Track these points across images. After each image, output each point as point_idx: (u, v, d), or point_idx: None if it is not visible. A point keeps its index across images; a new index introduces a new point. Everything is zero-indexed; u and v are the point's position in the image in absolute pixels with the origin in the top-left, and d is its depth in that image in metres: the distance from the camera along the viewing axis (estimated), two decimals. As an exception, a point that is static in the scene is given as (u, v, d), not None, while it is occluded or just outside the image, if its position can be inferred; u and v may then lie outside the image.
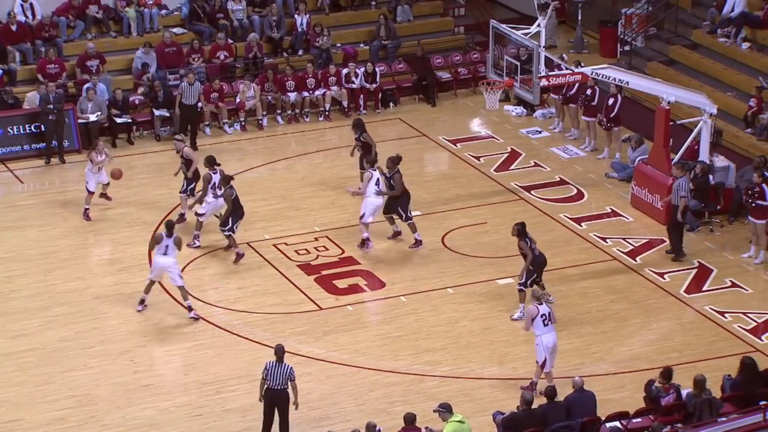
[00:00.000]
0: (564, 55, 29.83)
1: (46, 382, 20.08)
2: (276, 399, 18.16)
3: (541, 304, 19.35)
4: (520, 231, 21.55)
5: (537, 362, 19.48)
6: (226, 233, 23.59)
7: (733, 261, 24.01)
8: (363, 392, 19.88)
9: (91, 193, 25.45)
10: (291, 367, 18.10)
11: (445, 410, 17.00)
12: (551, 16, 29.20)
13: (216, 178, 23.81)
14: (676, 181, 23.97)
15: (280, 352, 18.13)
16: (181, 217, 24.91)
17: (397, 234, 24.50)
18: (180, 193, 25.04)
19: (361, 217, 23.87)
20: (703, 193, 24.96)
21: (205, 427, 19.00)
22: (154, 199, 26.42)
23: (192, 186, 24.86)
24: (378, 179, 23.83)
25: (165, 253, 21.61)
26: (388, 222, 24.49)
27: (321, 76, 30.76)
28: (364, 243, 24.00)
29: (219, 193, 23.72)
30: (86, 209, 25.45)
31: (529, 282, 21.40)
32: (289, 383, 18.05)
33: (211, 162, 23.98)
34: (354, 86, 30.89)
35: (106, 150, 25.86)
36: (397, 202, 24.12)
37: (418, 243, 24.24)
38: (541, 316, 19.26)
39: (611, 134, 28.26)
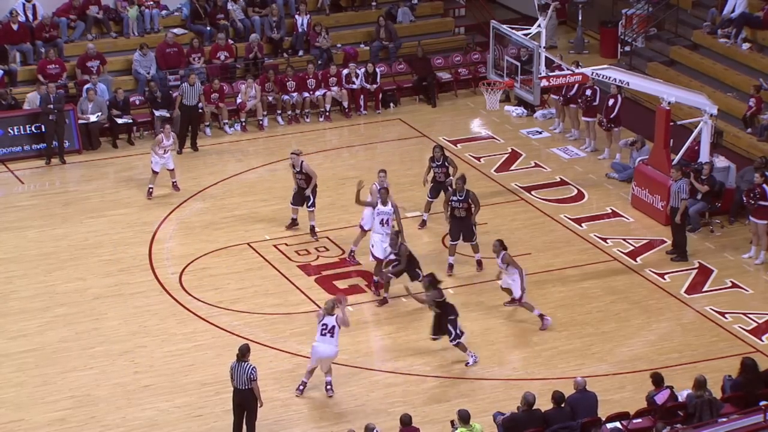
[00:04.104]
0: (561, 55, 29.82)
1: (46, 383, 20.08)
2: (241, 399, 18.12)
3: (331, 315, 19.16)
4: (431, 282, 20.53)
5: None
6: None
7: (733, 261, 24.01)
8: (363, 393, 19.87)
9: (155, 173, 26.15)
10: (252, 368, 18.00)
11: (459, 419, 16.94)
12: (552, 16, 29.21)
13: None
14: (676, 184, 23.96)
15: (240, 351, 18.05)
16: (312, 230, 24.78)
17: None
18: (308, 208, 24.56)
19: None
20: (711, 193, 24.97)
21: (205, 428, 18.99)
22: (155, 200, 26.41)
23: (314, 200, 24.51)
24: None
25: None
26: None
27: (321, 77, 30.76)
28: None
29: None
30: (150, 188, 26.27)
31: (459, 331, 20.37)
32: (251, 383, 17.97)
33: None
34: (354, 87, 30.89)
35: (173, 134, 26.49)
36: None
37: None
38: (322, 325, 19.18)
39: (611, 135, 28.27)
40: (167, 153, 26.20)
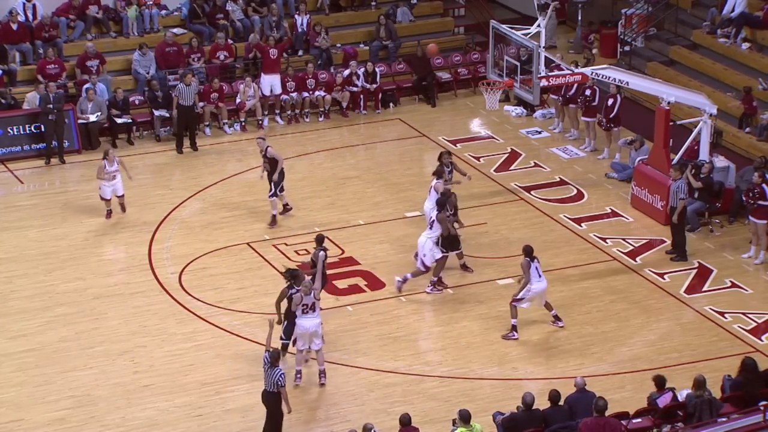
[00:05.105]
0: (561, 55, 29.82)
1: (46, 383, 20.08)
2: (268, 401, 18.17)
3: (308, 294, 19.49)
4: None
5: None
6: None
7: (733, 261, 24.01)
8: (363, 392, 19.87)
9: (106, 200, 25.33)
10: (281, 374, 17.98)
11: (460, 418, 16.91)
12: (551, 16, 29.22)
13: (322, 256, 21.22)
14: (675, 183, 23.97)
15: (272, 357, 18.04)
16: (273, 219, 25.02)
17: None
18: (269, 197, 24.92)
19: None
20: (708, 193, 25.00)
21: (205, 428, 18.99)
22: (154, 200, 26.44)
23: (280, 187, 24.82)
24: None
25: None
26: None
27: (326, 85, 30.66)
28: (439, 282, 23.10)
29: None
30: (108, 210, 25.44)
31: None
32: (278, 388, 17.99)
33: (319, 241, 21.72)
34: (356, 89, 30.83)
35: (117, 159, 25.36)
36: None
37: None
38: (302, 306, 19.47)
39: (611, 135, 28.27)
40: (116, 178, 25.19)
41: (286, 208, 25.42)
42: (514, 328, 21.25)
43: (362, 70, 31.05)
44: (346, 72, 31.02)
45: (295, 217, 25.47)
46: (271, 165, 24.70)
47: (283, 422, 18.30)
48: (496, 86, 26.41)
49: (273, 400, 18.11)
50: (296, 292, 19.94)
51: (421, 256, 22.35)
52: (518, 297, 21.20)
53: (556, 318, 21.61)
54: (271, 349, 18.35)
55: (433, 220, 22.30)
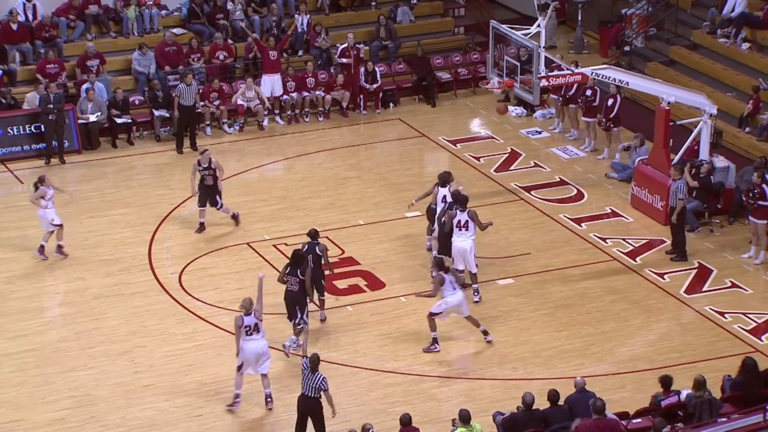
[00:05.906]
0: (561, 55, 29.82)
1: (46, 383, 20.07)
2: (306, 407, 18.02)
3: (249, 315, 18.95)
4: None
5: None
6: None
7: (733, 261, 24.01)
8: (363, 392, 19.87)
9: (61, 225, 23.77)
10: (323, 378, 17.84)
11: (460, 418, 16.89)
12: (551, 16, 29.22)
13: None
14: (675, 183, 23.98)
15: (312, 362, 17.85)
16: (201, 227, 24.89)
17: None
18: (219, 209, 24.73)
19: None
20: (706, 193, 25.00)
21: (205, 428, 18.99)
22: (154, 200, 26.43)
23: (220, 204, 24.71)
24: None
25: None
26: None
27: (326, 85, 30.67)
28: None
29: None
30: (59, 245, 23.86)
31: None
32: (321, 393, 17.87)
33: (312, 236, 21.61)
34: (347, 60, 30.69)
35: (53, 183, 24.16)
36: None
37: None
38: (245, 328, 18.94)
39: (611, 135, 28.27)
40: (53, 206, 23.68)
41: (202, 228, 24.92)
42: (434, 341, 20.94)
43: (362, 69, 31.01)
44: (342, 46, 30.94)
45: (295, 218, 25.47)
46: (214, 177, 24.44)
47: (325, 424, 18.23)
48: (496, 86, 26.42)
49: (313, 405, 17.94)
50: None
51: (472, 259, 22.16)
52: (435, 311, 20.81)
53: (485, 333, 21.19)
54: (309, 355, 18.31)
55: (468, 220, 22.21)
